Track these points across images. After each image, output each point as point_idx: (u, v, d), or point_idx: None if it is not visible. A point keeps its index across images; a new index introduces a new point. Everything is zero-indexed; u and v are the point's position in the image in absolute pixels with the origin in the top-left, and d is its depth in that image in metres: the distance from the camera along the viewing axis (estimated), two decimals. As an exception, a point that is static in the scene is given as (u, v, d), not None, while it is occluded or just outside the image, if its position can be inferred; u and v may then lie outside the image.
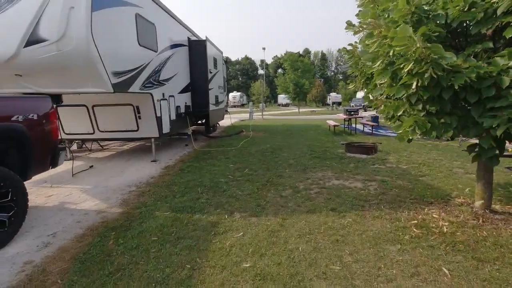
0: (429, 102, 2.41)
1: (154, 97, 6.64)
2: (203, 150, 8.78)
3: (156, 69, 6.79)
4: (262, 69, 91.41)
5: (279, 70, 69.22)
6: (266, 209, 4.15)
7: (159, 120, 6.98)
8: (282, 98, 59.44)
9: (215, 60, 11.17)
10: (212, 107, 10.67)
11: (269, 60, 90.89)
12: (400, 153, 7.90)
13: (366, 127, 13.30)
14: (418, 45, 2.04)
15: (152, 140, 7.30)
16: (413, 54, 2.12)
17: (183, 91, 9.05)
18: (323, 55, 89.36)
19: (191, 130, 9.73)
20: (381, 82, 2.81)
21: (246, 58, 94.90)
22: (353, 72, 4.63)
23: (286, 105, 61.32)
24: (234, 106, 59.72)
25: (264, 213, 4.01)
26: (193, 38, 9.96)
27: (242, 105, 59.68)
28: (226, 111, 17.60)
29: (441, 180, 5.35)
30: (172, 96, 8.00)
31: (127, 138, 7.94)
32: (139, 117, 6.82)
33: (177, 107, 8.40)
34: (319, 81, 63.48)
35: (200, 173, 6.04)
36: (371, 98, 4.08)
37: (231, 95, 65.04)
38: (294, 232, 3.41)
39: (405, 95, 2.34)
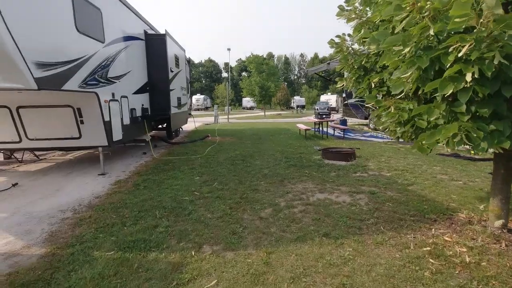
0: (479, 102, 1.76)
1: (100, 97, 5.44)
2: (164, 159, 7.65)
3: (103, 64, 5.60)
4: (226, 72, 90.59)
5: (243, 73, 68.86)
6: (244, 238, 3.27)
7: (107, 125, 5.78)
8: (246, 101, 59.06)
9: (176, 58, 10.07)
10: (174, 110, 9.55)
11: (233, 63, 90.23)
12: (378, 158, 7.51)
13: (336, 130, 13.02)
14: (486, 16, 1.38)
15: (100, 149, 6.04)
16: (482, 29, 1.44)
17: (139, 91, 7.85)
18: (286, 59, 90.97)
19: (150, 136, 8.52)
20: (402, 75, 2.12)
21: (210, 60, 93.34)
22: (341, 69, 3.96)
23: (251, 108, 61.02)
24: (198, 109, 58.25)
25: (242, 244, 3.13)
26: (151, 32, 8.79)
27: (206, 108, 58.26)
28: (190, 114, 16.45)
29: (431, 189, 4.90)
30: (125, 97, 6.80)
31: (66, 148, 6.56)
32: (81, 122, 5.56)
33: (132, 110, 7.20)
34: (284, 84, 64.12)
35: (159, 189, 4.98)
36: (378, 98, 3.41)
37: (194, 98, 63.27)
38: (285, 274, 2.58)
39: (451, 92, 1.66)
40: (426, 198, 4.45)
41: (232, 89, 67.27)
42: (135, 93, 7.52)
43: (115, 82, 6.15)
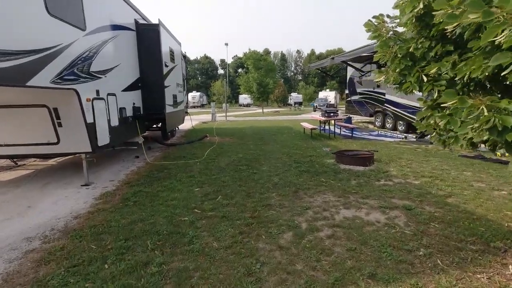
0: None
1: (81, 95, 4.57)
2: (159, 165, 6.80)
3: (84, 56, 4.72)
4: (222, 68, 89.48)
5: (240, 70, 67.82)
6: (263, 281, 2.47)
7: (91, 128, 4.92)
8: (243, 98, 58.14)
9: (172, 52, 9.18)
10: (169, 109, 8.67)
11: (229, 60, 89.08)
12: (398, 162, 6.74)
13: (343, 129, 12.25)
14: None
15: (83, 156, 5.18)
16: None
17: (130, 88, 6.97)
18: (283, 55, 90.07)
19: (143, 138, 7.66)
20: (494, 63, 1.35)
21: (206, 57, 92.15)
22: (380, 59, 3.15)
23: (248, 105, 60.13)
24: (194, 107, 57.42)
25: (262, 292, 2.33)
26: (143, 22, 7.89)
27: (202, 106, 57.37)
28: (187, 112, 15.58)
29: (476, 203, 4.14)
30: (113, 94, 5.92)
31: (42, 155, 5.68)
32: (59, 125, 4.70)
33: (121, 110, 6.33)
34: (281, 81, 63.35)
35: (152, 206, 4.15)
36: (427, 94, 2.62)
37: (190, 95, 62.17)
38: None
39: None
40: (477, 216, 3.68)
41: (228, 86, 66.35)
42: (125, 90, 6.64)
43: (100, 78, 5.27)
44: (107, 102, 5.56)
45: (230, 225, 3.51)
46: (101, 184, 5.37)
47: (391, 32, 3.16)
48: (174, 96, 9.48)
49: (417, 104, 11.06)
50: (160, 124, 9.57)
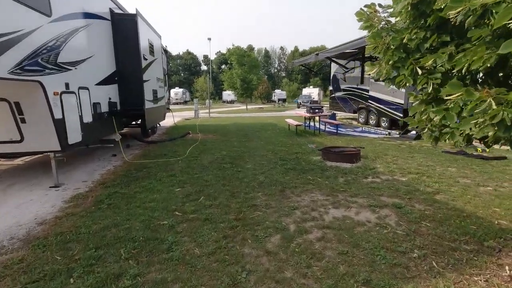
0: None
1: (47, 88, 4.14)
2: (137, 163, 6.41)
3: (50, 45, 4.29)
4: (205, 64, 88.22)
5: (223, 66, 67.02)
6: (251, 292, 2.24)
7: (60, 124, 4.50)
8: (227, 94, 57.68)
9: (151, 45, 8.73)
10: (149, 105, 8.24)
11: (212, 56, 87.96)
12: (384, 158, 6.69)
13: (328, 126, 12.20)
14: None
15: (52, 155, 4.75)
16: None
17: (105, 82, 6.52)
18: (266, 52, 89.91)
19: (120, 136, 7.23)
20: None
21: (188, 52, 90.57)
22: (372, 51, 2.97)
23: (231, 102, 59.66)
24: (177, 103, 56.37)
25: (249, 306, 2.11)
26: (119, 11, 7.41)
27: (185, 102, 56.43)
28: (168, 108, 15.09)
29: (464, 200, 4.09)
30: (86, 88, 5.48)
31: (4, 154, 5.18)
32: (23, 121, 4.26)
33: (95, 105, 5.89)
34: (265, 77, 63.16)
35: (128, 209, 3.82)
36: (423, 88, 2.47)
37: (173, 91, 61.03)
38: None
39: None
40: (467, 214, 3.61)
41: (212, 82, 65.47)
42: (100, 84, 6.19)
43: (70, 69, 4.83)
44: (79, 97, 5.13)
45: (213, 229, 3.25)
46: (72, 185, 4.96)
47: (383, 22, 2.98)
48: (154, 92, 9.04)
49: (400, 101, 11.16)
50: (140, 120, 9.12)
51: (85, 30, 5.43)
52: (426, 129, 3.01)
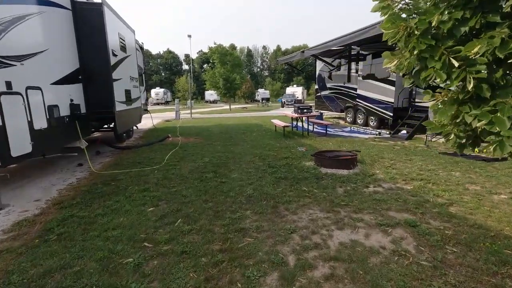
0: None
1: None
2: (106, 175, 5.56)
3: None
4: (187, 64, 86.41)
5: (205, 65, 65.71)
6: None
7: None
8: (209, 94, 56.57)
9: (122, 40, 7.83)
10: (120, 106, 7.36)
11: (193, 55, 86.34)
12: (381, 162, 6.17)
13: (316, 126, 11.67)
14: None
15: (-9, 170, 3.86)
16: None
17: (65, 81, 5.61)
18: (249, 51, 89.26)
19: (90, 140, 6.32)
20: None
21: (169, 51, 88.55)
22: (394, 38, 2.34)
23: (214, 101, 58.58)
24: (158, 104, 54.76)
25: None
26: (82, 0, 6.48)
27: (167, 103, 54.87)
28: (146, 110, 14.14)
29: (482, 212, 3.57)
30: (37, 88, 4.59)
31: None
32: None
33: (51, 108, 4.99)
34: (248, 77, 62.50)
35: (84, 241, 3.02)
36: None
37: (153, 91, 59.26)
38: None
39: None
40: (493, 232, 3.07)
41: (194, 82, 64.04)
42: (57, 83, 5.29)
43: (12, 65, 3.94)
44: (27, 98, 4.24)
45: (192, 267, 2.53)
46: (20, 206, 4.08)
47: (403, 2, 2.37)
48: (127, 92, 8.14)
49: (390, 99, 10.77)
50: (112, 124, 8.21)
51: (35, 19, 4.53)
52: (452, 135, 2.44)
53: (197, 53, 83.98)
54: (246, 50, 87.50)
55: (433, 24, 2.15)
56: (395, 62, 2.37)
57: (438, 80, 2.23)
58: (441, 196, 4.16)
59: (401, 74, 2.45)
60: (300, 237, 3.05)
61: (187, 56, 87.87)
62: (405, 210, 3.71)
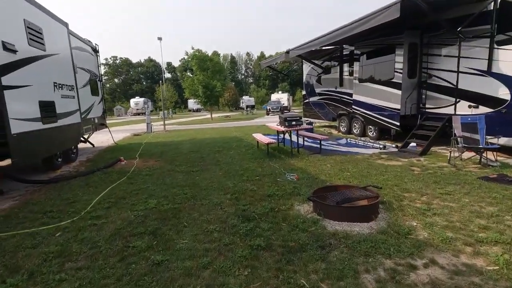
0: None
1: None
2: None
3: None
4: (169, 72, 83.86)
5: (184, 73, 63.45)
6: None
7: None
8: (192, 103, 54.23)
9: (35, 29, 5.59)
10: (25, 126, 5.07)
11: (176, 63, 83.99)
12: (409, 199, 4.15)
13: (307, 140, 9.65)
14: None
15: None
16: None
17: None
18: (233, 58, 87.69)
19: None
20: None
21: (150, 60, 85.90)
22: None
23: (198, 110, 56.31)
24: (138, 114, 52.49)
25: None
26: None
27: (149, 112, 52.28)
28: (103, 124, 11.82)
29: None
30: None
31: None
32: None
33: None
34: (232, 84, 60.59)
35: None
36: None
37: (133, 101, 56.57)
38: None
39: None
40: None
41: (175, 90, 61.54)
42: None
43: None
44: None
45: None
46: None
47: None
48: (46, 104, 5.85)
49: (395, 105, 8.89)
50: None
51: None
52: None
53: (180, 61, 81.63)
54: (229, 57, 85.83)
55: None
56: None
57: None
58: None
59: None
60: None
61: (169, 64, 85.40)
62: None
